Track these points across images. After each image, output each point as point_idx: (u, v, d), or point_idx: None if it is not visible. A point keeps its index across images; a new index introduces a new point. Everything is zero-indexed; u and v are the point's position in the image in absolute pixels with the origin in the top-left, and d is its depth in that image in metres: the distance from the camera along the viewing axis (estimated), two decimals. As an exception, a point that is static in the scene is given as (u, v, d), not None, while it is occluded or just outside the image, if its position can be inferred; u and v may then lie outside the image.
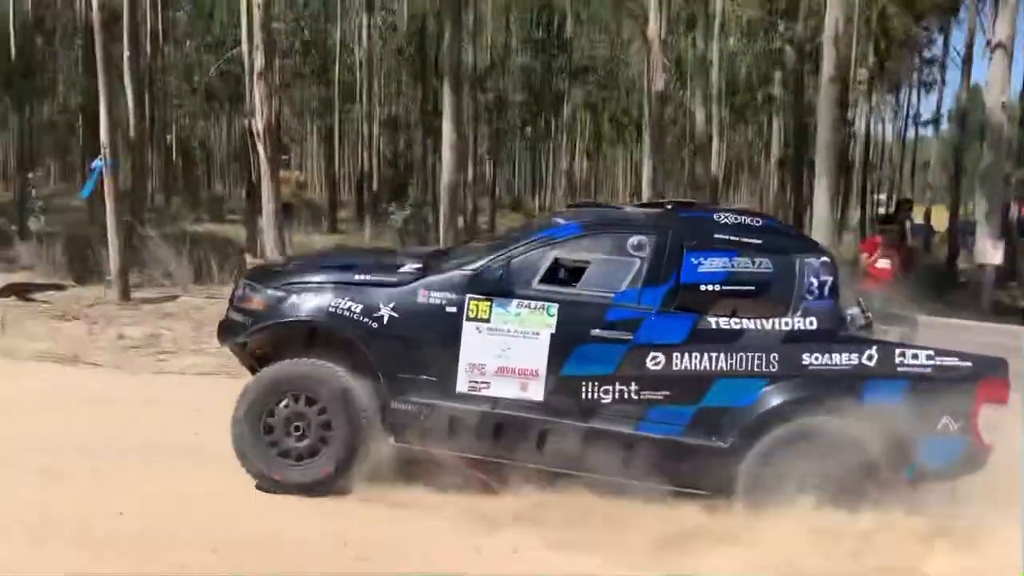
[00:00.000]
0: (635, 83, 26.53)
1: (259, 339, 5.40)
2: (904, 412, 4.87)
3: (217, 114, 36.75)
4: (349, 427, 5.08)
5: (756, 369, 4.99)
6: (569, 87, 29.66)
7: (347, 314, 5.16)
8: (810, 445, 4.92)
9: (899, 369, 4.97)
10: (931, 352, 5.01)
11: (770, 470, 4.91)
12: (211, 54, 32.10)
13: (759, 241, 5.15)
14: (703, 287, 5.07)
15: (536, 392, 5.06)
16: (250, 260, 12.55)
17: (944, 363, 4.98)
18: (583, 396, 5.04)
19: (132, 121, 16.64)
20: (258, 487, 5.10)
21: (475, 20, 23.46)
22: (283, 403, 5.14)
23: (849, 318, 5.27)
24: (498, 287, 5.11)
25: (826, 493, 4.86)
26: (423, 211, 21.09)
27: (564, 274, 5.22)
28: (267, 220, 12.97)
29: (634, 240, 5.17)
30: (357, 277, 5.34)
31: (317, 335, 5.31)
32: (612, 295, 5.10)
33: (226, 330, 5.54)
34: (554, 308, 5.06)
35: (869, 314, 5.39)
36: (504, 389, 5.07)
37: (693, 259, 5.09)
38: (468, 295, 5.11)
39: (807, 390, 4.99)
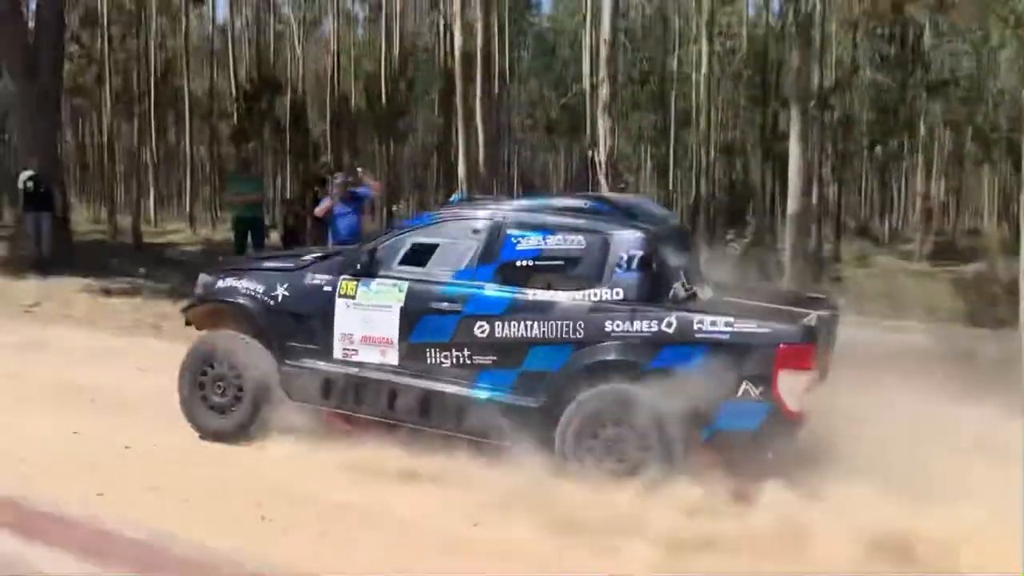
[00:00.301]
0: (1005, 95, 23.87)
1: (198, 314, 6.66)
2: (702, 376, 5.06)
3: (556, 146, 38.38)
4: (255, 387, 6.11)
5: (565, 336, 5.44)
6: (926, 102, 27.29)
7: (253, 293, 6.31)
8: (610, 407, 5.28)
9: (697, 336, 5.19)
10: (730, 319, 5.17)
11: (578, 431, 5.30)
12: (552, 90, 33.67)
13: (578, 221, 5.67)
14: (521, 263, 5.66)
15: (392, 357, 5.87)
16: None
17: (742, 329, 5.14)
18: (428, 361, 5.78)
19: (482, 157, 17.70)
20: (201, 437, 6.15)
21: (822, 38, 22.40)
22: (211, 367, 6.26)
23: (672, 290, 5.48)
24: (365, 269, 5.99)
25: (627, 452, 5.19)
26: (763, 239, 20.30)
27: (423, 257, 5.99)
28: (608, 248, 13.13)
29: (473, 225, 5.93)
30: (267, 264, 6.65)
31: (235, 310, 6.38)
32: (453, 273, 5.84)
33: (182, 310, 6.90)
34: (404, 285, 5.88)
35: (692, 287, 5.62)
36: (368, 355, 5.93)
37: (513, 239, 5.72)
38: (341, 276, 6.05)
39: (608, 355, 5.35)
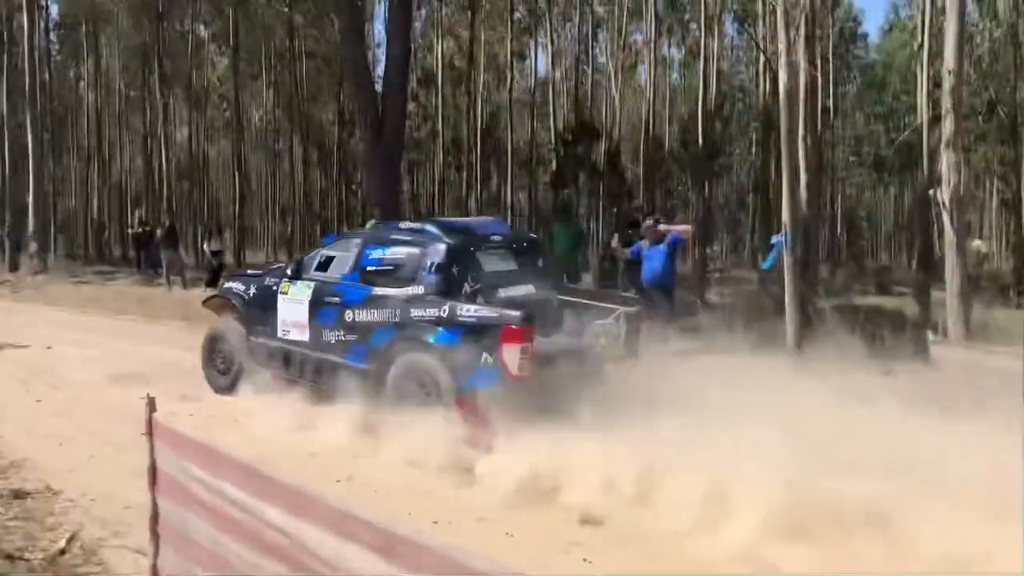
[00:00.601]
0: None
1: (213, 306, 9.45)
2: (461, 348, 6.87)
3: (885, 184, 35.95)
4: (239, 357, 8.69)
5: (390, 320, 7.41)
6: None
7: (238, 291, 8.97)
8: (409, 370, 7.18)
9: (459, 319, 6.98)
10: (478, 307, 7.03)
11: (395, 385, 7.21)
12: (881, 124, 31.59)
13: (408, 238, 7.75)
14: (371, 268, 7.76)
15: (305, 336, 8.07)
16: (932, 337, 11.60)
17: (483, 314, 6.94)
18: (322, 339, 7.90)
19: (804, 196, 16.87)
20: (216, 391, 8.80)
21: None
22: (219, 342, 8.92)
23: (465, 287, 7.28)
24: (295, 273, 8.36)
25: (421, 403, 6.91)
26: None
27: (327, 265, 8.19)
28: (951, 294, 11.95)
29: (353, 241, 8.26)
30: (249, 272, 9.58)
31: (229, 303, 9.04)
32: (341, 275, 7.99)
33: (202, 303, 10.09)
34: (312, 284, 8.12)
35: (477, 285, 7.32)
36: (294, 334, 8.17)
37: (367, 251, 7.87)
38: (282, 279, 8.43)
39: (410, 332, 7.26)
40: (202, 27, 33.31)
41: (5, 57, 26.24)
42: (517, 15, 30.54)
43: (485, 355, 6.75)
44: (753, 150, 30.79)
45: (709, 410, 6.08)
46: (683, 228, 11.92)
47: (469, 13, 27.29)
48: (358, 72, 18.24)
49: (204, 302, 9.79)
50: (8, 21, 26.29)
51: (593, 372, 7.11)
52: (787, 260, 12.25)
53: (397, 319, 7.37)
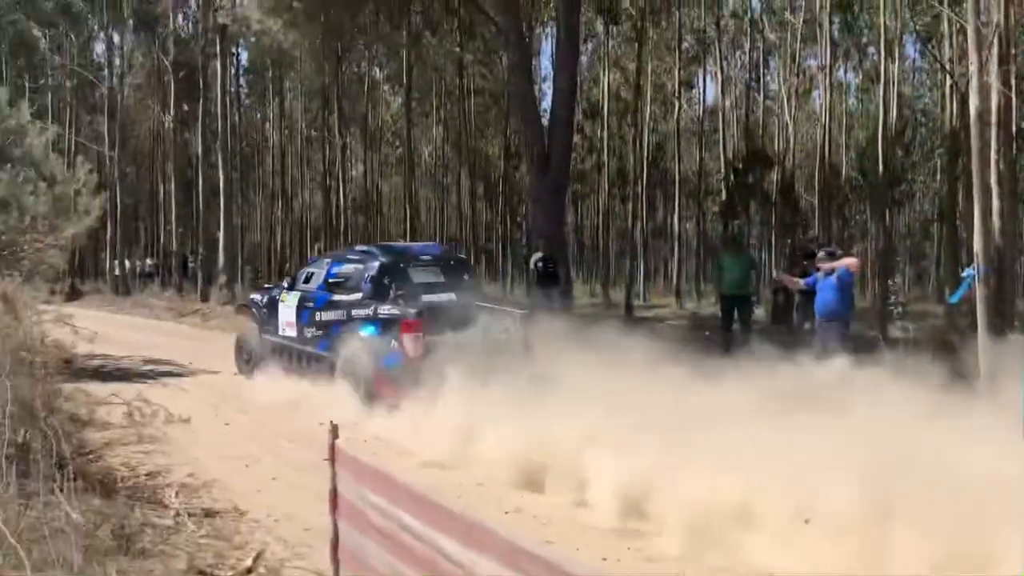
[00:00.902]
0: None
1: (241, 311, 13.18)
2: (380, 338, 9.29)
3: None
4: (257, 351, 11.54)
5: (341, 318, 9.98)
6: None
7: (256, 301, 12.06)
8: (347, 355, 9.53)
9: (378, 316, 9.47)
10: (389, 306, 9.45)
11: (341, 367, 9.62)
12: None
13: (357, 257, 10.57)
14: (332, 280, 10.44)
15: (294, 333, 10.75)
16: None
17: (390, 311, 9.37)
18: (304, 335, 10.55)
19: (997, 226, 15.74)
20: (242, 375, 11.96)
21: None
22: (243, 340, 12.06)
23: (391, 293, 9.65)
24: (290, 285, 11.18)
25: (355, 377, 9.37)
26: None
27: (310, 278, 10.89)
28: None
29: (325, 260, 11.18)
30: (265, 287, 13.08)
31: (250, 310, 12.19)
32: (316, 286, 10.63)
33: (234, 309, 15.80)
34: (298, 294, 10.85)
35: (400, 291, 9.66)
36: (289, 332, 10.86)
37: (332, 267, 10.66)
38: (282, 290, 11.28)
39: (351, 327, 9.71)
40: (377, 69, 34.79)
41: (200, 102, 28.29)
42: (685, 45, 30.24)
43: (393, 341, 9.09)
44: (938, 177, 29.10)
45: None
46: (849, 262, 11.48)
47: (636, 44, 27.21)
48: (525, 107, 18.51)
49: (235, 308, 13.93)
50: (203, 69, 28.32)
51: (500, 359, 8.36)
52: (979, 292, 11.45)
53: (345, 317, 9.87)
